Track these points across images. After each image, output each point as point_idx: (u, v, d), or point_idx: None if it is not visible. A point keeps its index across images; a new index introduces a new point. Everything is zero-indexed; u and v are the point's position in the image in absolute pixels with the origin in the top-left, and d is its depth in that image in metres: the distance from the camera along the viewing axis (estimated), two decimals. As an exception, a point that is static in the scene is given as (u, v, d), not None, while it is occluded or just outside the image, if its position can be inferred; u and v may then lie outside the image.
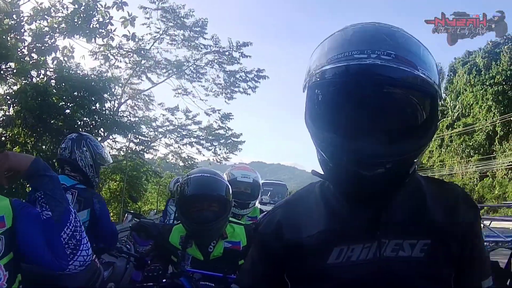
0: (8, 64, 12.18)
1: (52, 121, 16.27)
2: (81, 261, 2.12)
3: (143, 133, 26.51)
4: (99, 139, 20.11)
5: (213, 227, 3.25)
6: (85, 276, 3.60)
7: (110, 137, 23.24)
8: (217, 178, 3.42)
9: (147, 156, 29.31)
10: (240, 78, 29.01)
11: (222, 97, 29.52)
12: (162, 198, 32.56)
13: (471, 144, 50.50)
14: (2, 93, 14.79)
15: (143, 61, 26.94)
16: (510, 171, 45.36)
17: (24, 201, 2.19)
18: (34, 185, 2.15)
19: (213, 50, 28.31)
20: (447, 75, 62.82)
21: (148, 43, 27.04)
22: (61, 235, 2.05)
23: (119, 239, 5.68)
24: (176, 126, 29.44)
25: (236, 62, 28.53)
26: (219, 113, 29.35)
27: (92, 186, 4.29)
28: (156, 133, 29.05)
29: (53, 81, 16.02)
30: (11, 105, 15.17)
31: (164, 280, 3.13)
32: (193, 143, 29.72)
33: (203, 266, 3.19)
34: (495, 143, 48.50)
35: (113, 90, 20.38)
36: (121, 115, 24.21)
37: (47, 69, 15.30)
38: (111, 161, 4.94)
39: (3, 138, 14.45)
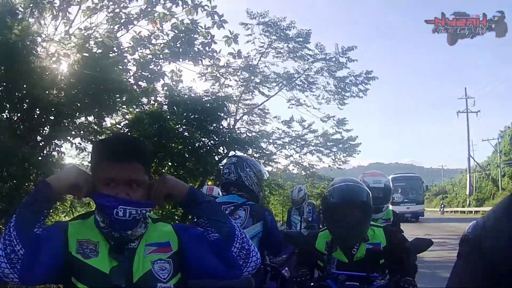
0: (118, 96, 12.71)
1: (172, 145, 16.92)
2: (253, 266, 2.32)
3: (262, 147, 26.84)
4: (219, 157, 20.72)
5: (358, 231, 3.60)
6: (241, 286, 3.83)
7: (230, 153, 23.75)
8: (359, 185, 3.77)
9: (267, 169, 29.53)
10: (350, 83, 28.85)
11: (335, 103, 29.44)
12: (286, 209, 32.83)
13: None
14: (115, 123, 15.45)
15: (252, 77, 27.34)
16: None
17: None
18: (194, 212, 2.34)
19: (320, 58, 28.29)
20: None
21: (255, 59, 27.44)
22: (232, 250, 2.24)
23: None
24: (293, 137, 29.57)
25: (344, 67, 28.43)
26: (333, 119, 29.25)
27: (257, 201, 4.63)
28: (275, 145, 29.30)
29: (165, 106, 16.63)
30: (129, 135, 15.93)
31: (311, 284, 3.63)
32: (313, 151, 29.71)
33: (348, 267, 3.59)
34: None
35: (228, 108, 20.87)
36: (238, 131, 24.77)
37: (157, 95, 15.79)
38: (268, 175, 5.33)
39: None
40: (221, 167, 23.29)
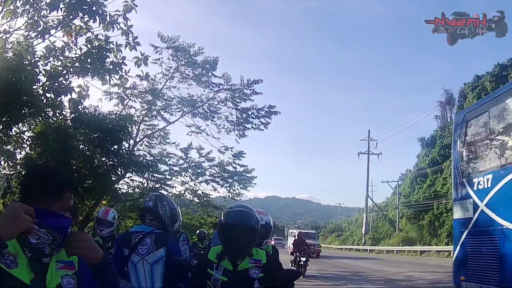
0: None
1: (72, 162, 16.64)
2: None
3: (159, 171, 26.67)
4: (115, 178, 20.54)
5: (245, 249, 4.23)
6: None
7: (127, 175, 23.50)
8: (251, 212, 4.40)
9: (163, 191, 29.13)
10: (252, 115, 29.33)
11: (235, 134, 29.59)
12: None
13: (485, 169, 48.74)
14: (23, 135, 15.07)
15: (156, 101, 27.09)
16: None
17: None
18: (97, 279, 2.59)
19: (225, 88, 28.63)
20: (458, 101, 62.27)
21: (160, 83, 27.34)
22: None
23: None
24: (190, 164, 29.46)
25: (247, 99, 28.82)
26: (231, 150, 29.48)
27: (167, 231, 5.20)
28: (172, 171, 29.06)
29: (68, 121, 16.35)
30: (34, 147, 15.56)
31: None
32: (209, 180, 29.71)
33: (232, 274, 4.18)
34: (510, 167, 47.24)
35: (129, 129, 20.73)
36: (137, 154, 24.55)
37: (63, 109, 15.54)
38: (182, 219, 5.85)
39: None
40: (118, 187, 22.80)
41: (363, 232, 69.57)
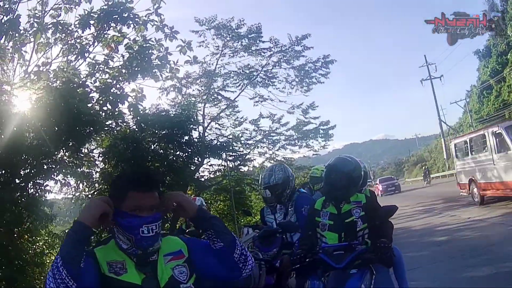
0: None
1: (148, 164, 17.01)
2: (249, 268, 2.83)
3: (235, 150, 26.74)
4: (194, 167, 20.83)
5: (345, 189, 4.78)
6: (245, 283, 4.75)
7: (205, 162, 23.72)
8: (349, 160, 5.05)
9: (244, 169, 29.16)
10: (309, 70, 28.97)
11: (299, 93, 29.46)
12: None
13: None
14: (93, 153, 15.53)
15: (213, 82, 27.22)
16: None
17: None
18: (203, 226, 2.82)
19: (276, 51, 28.23)
20: (501, 6, 58.85)
21: (212, 64, 27.45)
22: (234, 256, 2.75)
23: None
24: (264, 134, 29.46)
25: (301, 55, 28.42)
26: (301, 107, 29.24)
27: None
28: (247, 145, 29.08)
29: (133, 126, 16.64)
30: (107, 161, 16.01)
31: (307, 260, 4.57)
32: (285, 145, 29.67)
33: (337, 216, 4.77)
34: None
35: (195, 118, 20.95)
36: (209, 139, 24.82)
37: (125, 117, 15.70)
38: None
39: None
40: (199, 176, 22.98)
41: (445, 157, 67.65)
